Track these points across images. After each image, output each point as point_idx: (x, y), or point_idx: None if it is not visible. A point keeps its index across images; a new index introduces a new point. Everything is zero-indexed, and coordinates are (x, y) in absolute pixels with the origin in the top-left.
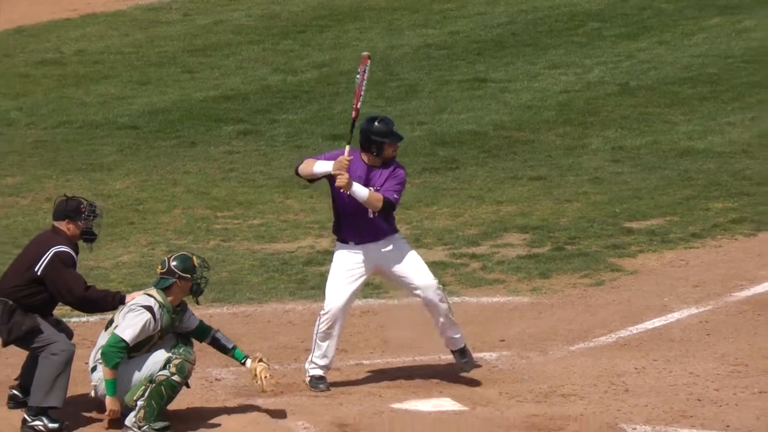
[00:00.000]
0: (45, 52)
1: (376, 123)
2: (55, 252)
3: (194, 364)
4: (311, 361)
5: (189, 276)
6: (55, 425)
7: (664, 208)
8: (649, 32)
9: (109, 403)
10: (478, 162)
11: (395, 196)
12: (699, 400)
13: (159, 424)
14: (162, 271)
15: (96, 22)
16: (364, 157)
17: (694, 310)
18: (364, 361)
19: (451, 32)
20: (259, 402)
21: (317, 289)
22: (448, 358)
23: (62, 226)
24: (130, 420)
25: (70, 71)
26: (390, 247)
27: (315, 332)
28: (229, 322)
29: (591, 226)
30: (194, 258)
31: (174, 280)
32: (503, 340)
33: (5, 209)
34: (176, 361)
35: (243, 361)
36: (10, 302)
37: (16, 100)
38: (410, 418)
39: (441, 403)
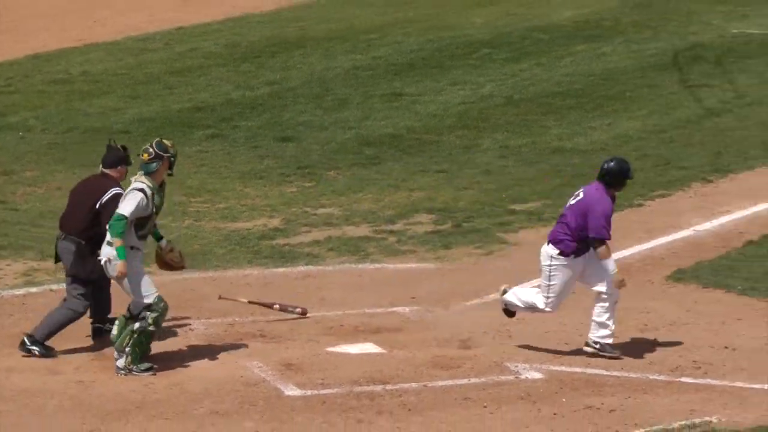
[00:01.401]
0: (56, 73)
1: (630, 167)
2: (115, 192)
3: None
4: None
5: (169, 154)
6: (46, 352)
7: (540, 193)
8: (528, 56)
9: (120, 266)
10: (395, 158)
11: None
12: (567, 343)
13: (144, 365)
14: (150, 157)
15: (97, 50)
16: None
17: None
18: (306, 315)
19: (374, 57)
20: (223, 346)
21: (269, 258)
22: (372, 311)
23: (113, 172)
24: (120, 364)
25: (77, 88)
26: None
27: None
28: (199, 284)
29: (483, 208)
30: (165, 140)
31: (160, 162)
32: (414, 298)
33: (25, 196)
34: (154, 315)
35: (158, 239)
36: (83, 242)
37: (33, 111)
38: (341, 358)
39: (365, 347)
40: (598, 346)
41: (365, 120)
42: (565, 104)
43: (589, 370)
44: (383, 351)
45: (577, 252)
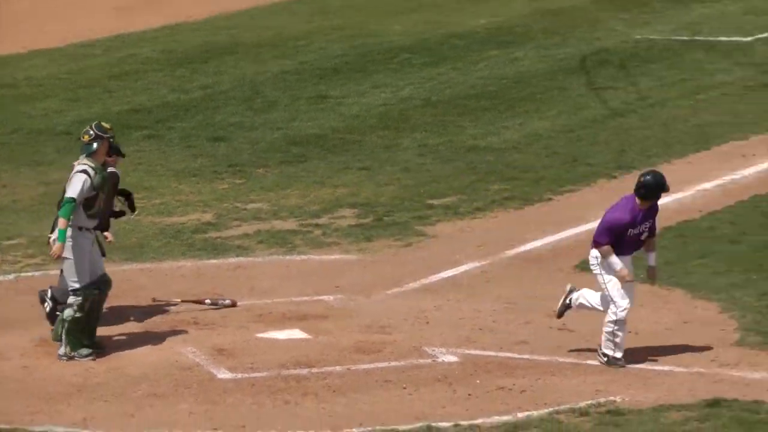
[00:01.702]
0: (2, 78)
1: (664, 181)
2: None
3: (91, 300)
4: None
5: (108, 135)
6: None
7: (456, 189)
8: (446, 61)
9: (57, 248)
10: (320, 157)
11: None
12: (480, 329)
13: (84, 351)
14: (90, 138)
15: (40, 55)
16: (643, 204)
17: (477, 264)
18: (237, 303)
19: (301, 62)
20: (159, 333)
21: (202, 250)
22: (299, 300)
23: (110, 160)
24: (61, 351)
25: (21, 92)
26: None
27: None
28: (136, 275)
29: (402, 203)
30: (103, 123)
31: (100, 142)
32: (338, 287)
33: None
34: (79, 301)
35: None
36: None
37: None
38: (269, 343)
39: (292, 333)
40: (604, 353)
41: (293, 121)
42: (479, 105)
43: (501, 354)
44: (309, 337)
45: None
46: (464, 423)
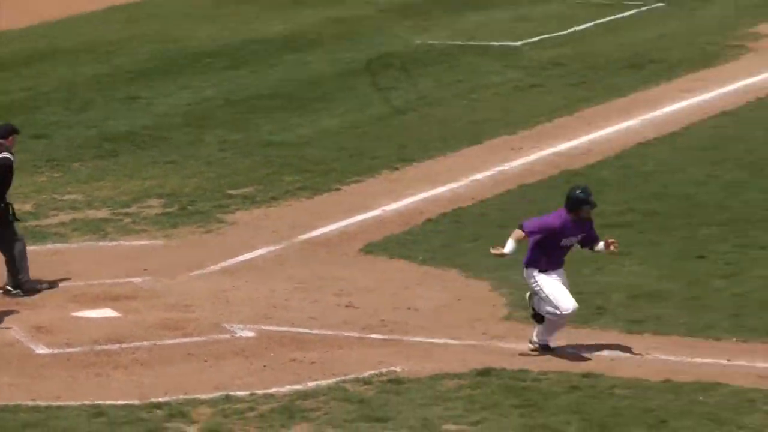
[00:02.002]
0: None
1: (583, 197)
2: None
3: None
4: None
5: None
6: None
7: (253, 180)
8: (245, 65)
9: None
10: (131, 152)
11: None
12: (275, 306)
13: None
14: None
15: None
16: (572, 216)
17: (272, 248)
18: (53, 286)
19: (114, 65)
20: None
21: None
22: (111, 281)
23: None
24: None
25: None
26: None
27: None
28: None
29: (204, 193)
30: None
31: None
32: (146, 270)
33: None
34: None
35: None
36: None
37: None
38: (84, 321)
39: (104, 312)
40: (535, 343)
41: (106, 120)
42: (275, 105)
43: (293, 329)
44: (119, 315)
45: (549, 266)
46: (259, 392)
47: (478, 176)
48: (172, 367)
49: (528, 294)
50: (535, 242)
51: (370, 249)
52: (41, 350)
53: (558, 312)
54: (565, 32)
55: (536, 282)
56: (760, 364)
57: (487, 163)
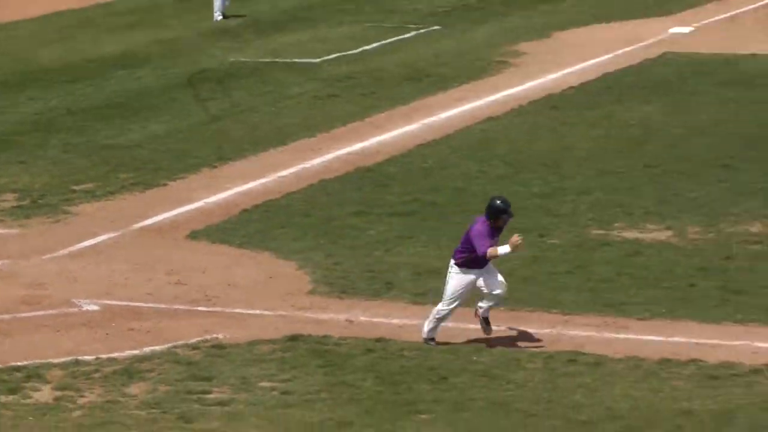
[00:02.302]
0: None
1: (502, 207)
2: None
3: None
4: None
5: None
6: None
7: (94, 178)
8: (84, 79)
9: None
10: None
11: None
12: (116, 284)
13: None
14: None
15: None
16: (491, 223)
17: (112, 234)
18: None
19: None
20: None
21: None
22: None
23: None
24: None
25: None
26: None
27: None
28: None
29: (52, 189)
30: None
31: None
32: (5, 254)
33: None
34: None
35: None
36: None
37: None
38: None
39: None
40: (482, 311)
41: None
42: (111, 113)
43: (132, 303)
44: None
45: (469, 265)
46: (103, 356)
47: (284, 173)
48: (29, 336)
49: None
50: (470, 249)
51: (194, 235)
52: None
53: (500, 293)
54: (357, 51)
55: (476, 276)
56: (523, 328)
57: (292, 161)
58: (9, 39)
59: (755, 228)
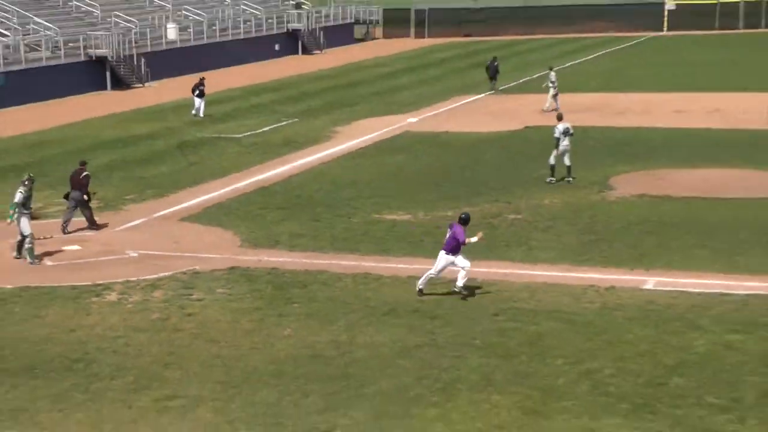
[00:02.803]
0: None
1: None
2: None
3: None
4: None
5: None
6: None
7: (134, 192)
8: None
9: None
10: None
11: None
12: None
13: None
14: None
15: None
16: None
17: (144, 219)
18: None
19: None
20: None
21: None
22: None
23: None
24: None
25: None
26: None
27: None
28: None
29: (115, 197)
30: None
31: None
32: None
33: None
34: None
35: None
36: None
37: None
38: None
39: None
40: (460, 288)
41: None
42: (143, 161)
43: (154, 252)
44: None
45: (453, 252)
46: (140, 278)
47: (227, 189)
48: (103, 269)
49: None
50: (456, 241)
51: (184, 220)
52: None
53: (468, 268)
54: (260, 131)
55: (455, 258)
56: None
57: (230, 183)
58: (86, 127)
59: (450, 213)
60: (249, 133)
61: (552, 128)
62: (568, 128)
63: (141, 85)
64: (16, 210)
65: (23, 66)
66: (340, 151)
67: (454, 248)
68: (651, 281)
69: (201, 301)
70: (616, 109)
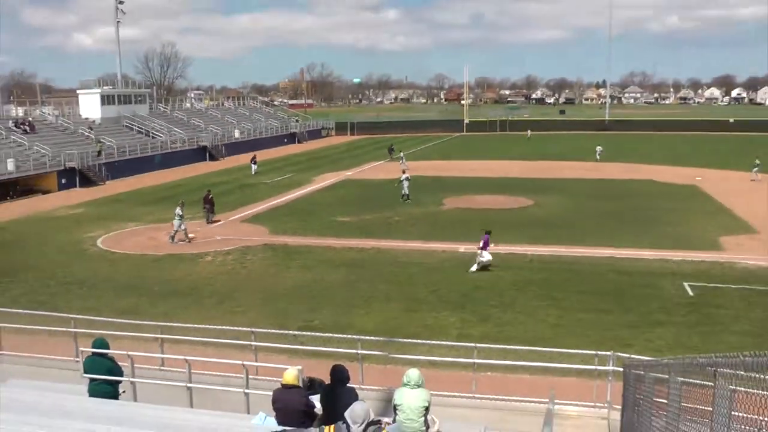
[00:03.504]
0: None
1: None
2: None
3: None
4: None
5: None
6: None
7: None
8: None
9: None
10: None
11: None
12: None
13: None
14: None
15: None
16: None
17: (223, 221)
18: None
19: None
20: None
21: None
22: None
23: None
24: None
25: None
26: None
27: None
28: None
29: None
30: None
31: None
32: None
33: None
34: None
35: None
36: None
37: None
38: None
39: None
40: (483, 263)
41: None
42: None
43: (226, 237)
44: None
45: (484, 248)
46: (222, 249)
47: (259, 208)
48: (202, 247)
49: (477, 261)
50: (485, 243)
51: (243, 220)
52: None
53: (489, 258)
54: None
55: (484, 252)
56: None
57: (259, 206)
58: (197, 178)
59: (369, 216)
60: (271, 180)
61: (401, 177)
62: (408, 177)
63: (222, 158)
64: (177, 217)
65: (168, 150)
66: (316, 188)
67: (483, 246)
68: (462, 247)
69: (250, 260)
70: (444, 168)
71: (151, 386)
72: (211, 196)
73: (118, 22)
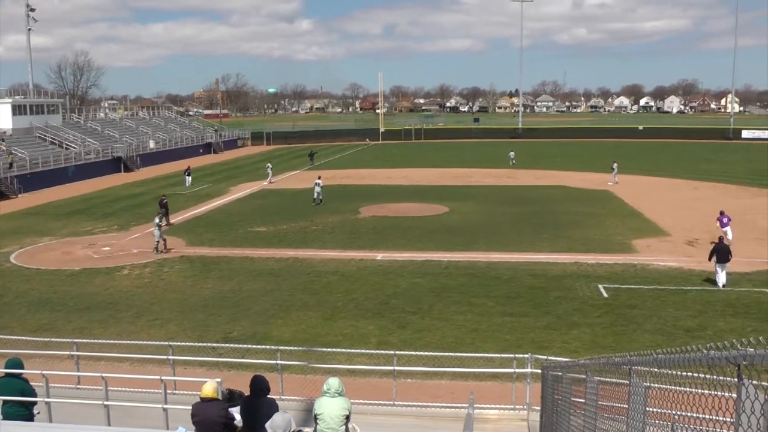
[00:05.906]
0: None
1: None
2: None
3: None
4: None
5: None
6: None
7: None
8: None
9: None
10: None
11: None
12: None
13: None
14: None
15: None
16: None
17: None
18: None
19: None
20: None
21: None
22: None
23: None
24: None
25: None
26: None
27: None
28: None
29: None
30: None
31: None
32: None
33: None
34: None
35: None
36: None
37: None
38: None
39: None
40: None
41: None
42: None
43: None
44: None
45: None
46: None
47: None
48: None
49: None
50: None
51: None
52: None
53: None
54: None
55: None
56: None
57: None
58: (111, 189)
59: (285, 226)
60: (187, 191)
61: (314, 183)
62: (319, 183)
63: (137, 169)
64: (156, 227)
65: (82, 162)
66: (232, 198)
67: None
68: (380, 255)
69: (167, 272)
70: (360, 176)
71: (67, 406)
72: (165, 200)
73: (29, 29)
